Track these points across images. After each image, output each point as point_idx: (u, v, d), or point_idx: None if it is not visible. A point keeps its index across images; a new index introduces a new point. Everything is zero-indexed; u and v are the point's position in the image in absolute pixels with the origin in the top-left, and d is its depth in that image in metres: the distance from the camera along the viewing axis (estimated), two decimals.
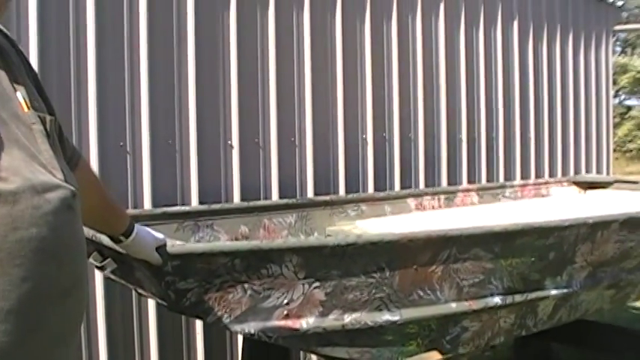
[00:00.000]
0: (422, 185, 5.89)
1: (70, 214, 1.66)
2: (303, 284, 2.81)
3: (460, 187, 5.70)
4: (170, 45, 4.35)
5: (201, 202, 4.36)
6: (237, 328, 2.80)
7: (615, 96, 53.59)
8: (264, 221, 4.16)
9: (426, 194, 5.25)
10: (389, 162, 5.70)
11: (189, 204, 4.34)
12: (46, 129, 1.73)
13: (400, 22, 5.75)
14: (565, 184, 6.23)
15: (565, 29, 7.57)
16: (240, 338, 4.52)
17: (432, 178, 6.01)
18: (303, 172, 5.05)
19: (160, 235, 2.57)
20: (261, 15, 4.81)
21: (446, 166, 6.12)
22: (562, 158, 7.41)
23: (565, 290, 3.66)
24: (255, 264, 2.71)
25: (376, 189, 5.48)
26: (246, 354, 4.06)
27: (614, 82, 48.70)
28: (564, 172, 7.29)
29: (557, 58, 7.49)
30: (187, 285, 2.64)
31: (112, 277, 2.91)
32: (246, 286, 2.72)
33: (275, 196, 4.82)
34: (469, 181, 6.26)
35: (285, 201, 4.48)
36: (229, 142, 4.59)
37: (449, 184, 6.09)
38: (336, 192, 5.20)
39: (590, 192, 6.07)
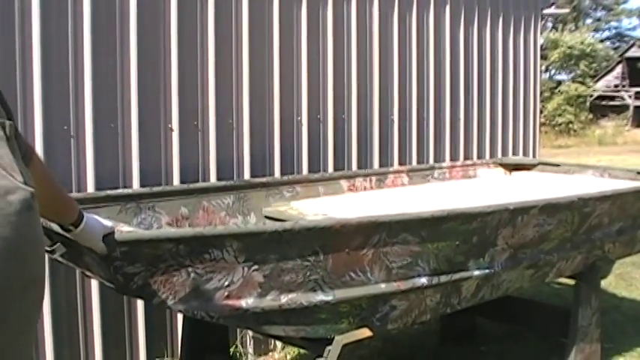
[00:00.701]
0: (354, 167, 6.09)
1: (30, 214, 1.79)
2: (243, 267, 2.98)
3: (391, 169, 5.91)
4: (113, 30, 4.47)
5: (142, 185, 4.51)
6: (181, 308, 2.96)
7: (546, 71, 54.66)
8: (203, 203, 4.29)
9: (358, 176, 5.43)
10: (322, 144, 5.89)
11: (130, 187, 4.48)
12: (5, 134, 1.85)
13: (335, 6, 5.91)
14: (492, 165, 6.48)
15: (495, 13, 7.79)
16: (180, 318, 4.70)
17: (364, 160, 6.21)
18: (240, 154, 5.21)
19: (109, 223, 2.71)
20: (201, 2, 4.94)
21: (378, 148, 6.32)
22: (490, 140, 7.68)
23: (487, 271, 3.90)
24: (198, 249, 2.87)
25: (310, 170, 5.67)
26: (186, 333, 4.24)
27: (545, 58, 49.42)
28: (492, 154, 7.56)
29: (487, 42, 7.71)
30: (135, 269, 2.79)
31: (61, 260, 3.05)
32: (189, 269, 2.88)
33: (213, 178, 4.98)
34: (400, 163, 6.47)
35: (222, 183, 4.63)
36: (170, 125, 4.73)
37: (380, 165, 6.31)
38: (272, 174, 5.38)
39: (515, 173, 6.34)
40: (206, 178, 4.95)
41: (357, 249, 3.26)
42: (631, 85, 49.12)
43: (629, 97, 49.24)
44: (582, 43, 49.02)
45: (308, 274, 3.15)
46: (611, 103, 49.85)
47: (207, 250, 2.88)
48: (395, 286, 3.47)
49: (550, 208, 4.11)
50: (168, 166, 4.75)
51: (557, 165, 6.41)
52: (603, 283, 6.85)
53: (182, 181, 4.75)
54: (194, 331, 4.16)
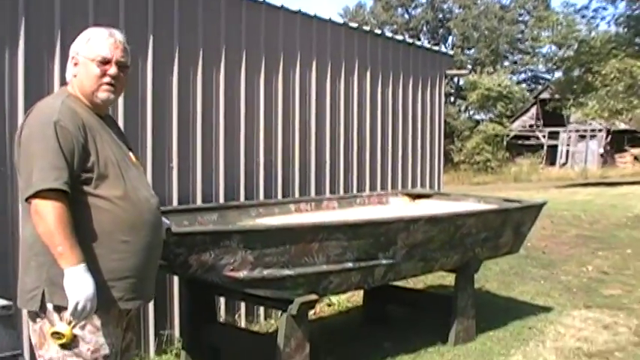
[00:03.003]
0: (297, 194, 8.04)
1: (159, 210, 3.73)
2: (242, 252, 4.91)
3: (325, 197, 7.96)
4: None
5: None
6: (205, 276, 4.91)
7: (465, 111, 57.18)
8: (197, 217, 6.15)
9: (302, 201, 7.39)
10: (274, 178, 7.80)
11: None
12: (143, 170, 3.81)
13: (285, 74, 7.87)
14: (399, 195, 8.56)
15: (407, 74, 10.04)
16: (176, 298, 6.60)
17: (304, 190, 8.18)
18: (216, 185, 7.09)
19: (167, 221, 4.58)
20: (169, 74, 6.85)
21: (314, 181, 8.34)
22: (402, 176, 9.90)
23: (391, 261, 5.94)
24: (217, 239, 4.81)
25: (265, 197, 7.58)
26: (184, 308, 6.20)
27: (464, 98, 51.46)
28: (404, 187, 9.74)
29: (400, 97, 9.90)
30: (180, 251, 4.71)
31: None
32: (211, 252, 4.81)
33: (199, 202, 6.84)
34: (331, 192, 8.51)
35: (209, 205, 6.61)
36: (171, 164, 6.59)
37: (316, 194, 8.29)
38: (239, 199, 7.26)
39: (417, 201, 8.39)
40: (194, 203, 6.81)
41: (309, 242, 5.26)
42: (544, 125, 51.52)
43: (543, 136, 51.72)
44: (500, 85, 51.31)
45: (279, 257, 5.11)
46: (527, 142, 52.19)
47: (222, 240, 4.83)
48: (332, 267, 5.48)
49: (433, 220, 6.21)
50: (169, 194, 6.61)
51: (449, 194, 8.56)
52: (488, 287, 9.11)
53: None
54: (190, 306, 6.04)
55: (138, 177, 3.58)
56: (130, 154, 3.67)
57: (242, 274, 4.98)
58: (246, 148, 7.39)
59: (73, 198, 3.21)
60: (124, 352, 3.72)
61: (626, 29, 32.93)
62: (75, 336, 3.27)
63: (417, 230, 6.01)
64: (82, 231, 3.23)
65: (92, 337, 3.33)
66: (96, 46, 3.45)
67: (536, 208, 7.61)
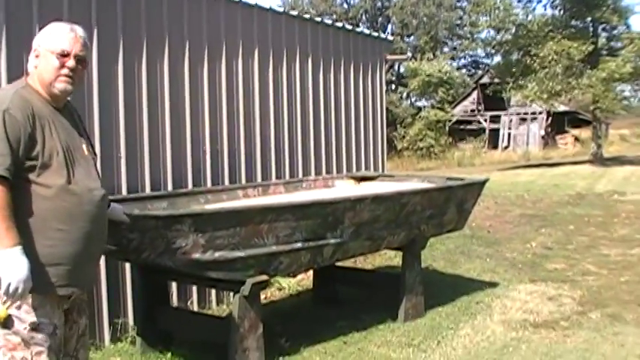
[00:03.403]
0: (244, 181, 8.13)
1: (103, 203, 3.78)
2: (193, 235, 5.00)
3: (272, 182, 8.07)
4: None
5: None
6: (158, 260, 5.01)
7: (407, 98, 57.53)
8: (147, 206, 6.19)
9: (249, 187, 7.51)
10: (220, 166, 7.90)
11: None
12: (94, 162, 3.89)
13: (228, 65, 7.98)
14: (345, 178, 8.73)
15: (348, 60, 10.19)
16: (129, 287, 6.67)
17: (250, 177, 8.28)
18: (164, 174, 7.18)
19: (119, 206, 4.66)
20: (138, 74, 6.93)
21: (260, 168, 8.45)
22: (346, 160, 10.06)
23: (339, 240, 6.10)
24: (169, 223, 4.91)
25: (213, 185, 7.65)
26: (137, 294, 6.30)
27: (406, 85, 51.69)
28: (348, 171, 9.88)
29: (341, 83, 10.07)
30: (133, 236, 4.82)
31: None
32: (163, 236, 4.90)
33: (148, 190, 6.92)
34: (277, 178, 8.62)
35: (159, 192, 6.71)
36: (119, 154, 6.66)
37: (262, 180, 8.38)
38: (186, 187, 7.34)
39: (363, 183, 8.55)
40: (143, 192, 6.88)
41: (258, 224, 5.39)
42: (486, 110, 52.11)
43: (485, 120, 52.31)
44: (440, 71, 51.76)
45: (230, 239, 5.23)
46: (469, 127, 52.78)
47: (174, 224, 4.93)
48: (281, 248, 5.61)
49: (378, 199, 6.36)
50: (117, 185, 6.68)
51: (393, 176, 8.74)
52: (435, 266, 9.33)
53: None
54: (143, 291, 6.16)
55: (86, 169, 3.68)
56: (84, 146, 3.77)
57: (194, 256, 5.08)
58: (192, 137, 7.47)
59: (16, 184, 3.34)
60: (80, 337, 3.88)
61: (562, 11, 33.57)
62: (9, 316, 3.38)
63: (363, 209, 6.16)
64: (20, 216, 3.36)
65: (28, 316, 3.43)
66: (57, 39, 3.60)
67: (478, 185, 7.83)
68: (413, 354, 6.21)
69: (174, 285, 7.09)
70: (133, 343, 6.42)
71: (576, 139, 49.62)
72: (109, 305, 6.53)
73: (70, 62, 3.59)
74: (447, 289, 8.44)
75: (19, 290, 3.29)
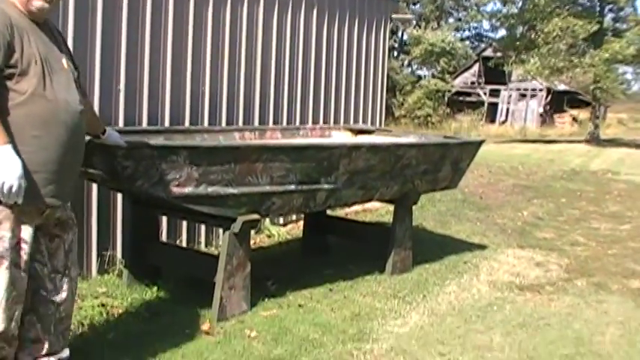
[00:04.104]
0: (241, 123, 8.11)
1: (81, 117, 3.80)
2: (187, 167, 4.99)
3: (269, 127, 8.05)
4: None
5: None
6: (150, 191, 4.97)
7: (408, 65, 57.36)
8: (144, 139, 6.13)
9: (246, 130, 7.45)
10: (218, 107, 7.86)
11: None
12: (75, 76, 3.89)
13: (233, 8, 7.89)
14: (342, 129, 8.68)
15: (353, 16, 10.14)
16: (119, 221, 6.68)
17: (248, 120, 8.26)
18: (162, 110, 7.14)
19: (115, 133, 4.71)
20: (142, 20, 6.87)
21: (258, 113, 8.42)
22: (344, 113, 10.06)
23: (333, 186, 6.09)
24: (164, 154, 4.88)
25: (210, 125, 7.62)
26: (128, 228, 6.31)
27: (408, 53, 51.50)
28: (346, 123, 9.84)
29: (345, 38, 10.03)
30: (127, 163, 4.79)
31: None
32: (158, 166, 4.88)
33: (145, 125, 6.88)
34: (274, 124, 8.61)
35: (156, 127, 6.67)
36: (119, 87, 6.61)
37: (259, 123, 8.39)
38: (183, 125, 7.31)
39: (360, 136, 8.54)
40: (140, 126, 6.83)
41: (253, 162, 5.36)
42: (486, 83, 52.09)
43: (484, 94, 52.28)
44: (443, 41, 51.63)
45: (224, 175, 5.21)
46: (468, 99, 52.73)
47: (169, 155, 4.90)
48: (275, 188, 5.60)
49: (374, 149, 6.35)
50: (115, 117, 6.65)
51: (390, 131, 8.73)
52: (426, 225, 9.34)
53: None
54: (134, 225, 6.17)
55: (65, 81, 3.76)
56: (64, 60, 3.84)
57: (187, 189, 5.07)
58: (192, 76, 7.42)
59: None
60: (67, 252, 3.96)
61: None
62: None
63: (358, 157, 6.15)
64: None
65: None
66: None
67: (474, 145, 7.83)
68: (398, 305, 6.22)
69: (164, 223, 7.09)
70: (119, 275, 6.42)
71: (574, 119, 49.63)
72: (99, 237, 6.51)
73: None
74: (435, 247, 8.47)
75: (14, 188, 3.31)
